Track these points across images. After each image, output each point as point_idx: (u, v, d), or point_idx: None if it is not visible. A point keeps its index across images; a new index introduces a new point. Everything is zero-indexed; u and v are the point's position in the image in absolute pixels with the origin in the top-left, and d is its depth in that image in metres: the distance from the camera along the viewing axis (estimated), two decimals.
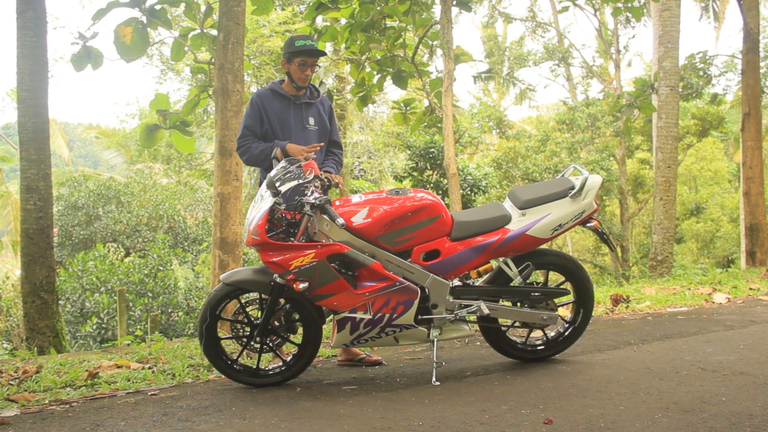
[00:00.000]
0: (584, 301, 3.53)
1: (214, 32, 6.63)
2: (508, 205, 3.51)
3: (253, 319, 3.32)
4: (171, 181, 18.93)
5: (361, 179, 17.63)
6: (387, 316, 3.21)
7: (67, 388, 3.41)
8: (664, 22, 10.00)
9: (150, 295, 10.39)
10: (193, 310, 10.63)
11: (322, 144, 3.76)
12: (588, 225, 3.47)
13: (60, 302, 7.66)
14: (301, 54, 3.65)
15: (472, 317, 3.42)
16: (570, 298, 3.58)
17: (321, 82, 7.98)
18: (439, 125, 9.07)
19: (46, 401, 3.15)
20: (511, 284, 3.42)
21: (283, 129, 3.74)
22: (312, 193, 3.18)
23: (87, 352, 4.91)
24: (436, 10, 8.41)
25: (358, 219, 3.20)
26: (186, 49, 7.19)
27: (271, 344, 3.36)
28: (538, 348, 3.58)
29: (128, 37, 6.53)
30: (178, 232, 13.54)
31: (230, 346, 4.08)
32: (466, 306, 3.31)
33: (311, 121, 3.81)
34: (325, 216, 3.17)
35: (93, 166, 32.10)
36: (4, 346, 10.02)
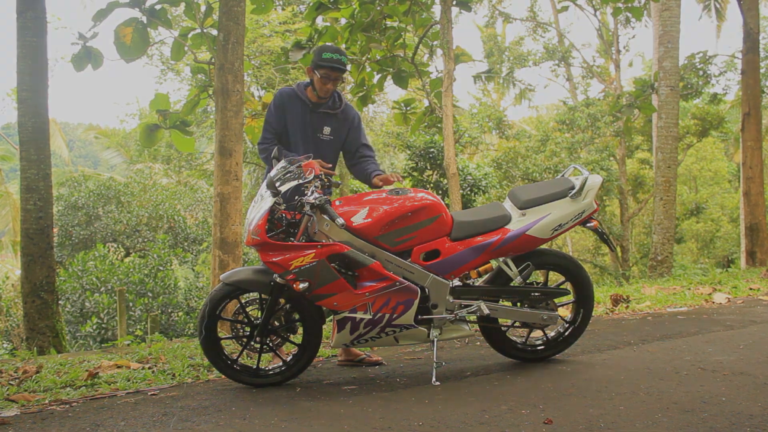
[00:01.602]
0: (584, 301, 3.53)
1: (214, 32, 6.63)
2: (508, 205, 3.51)
3: (253, 319, 3.31)
4: (171, 181, 18.93)
5: None
6: (387, 316, 3.21)
7: (67, 388, 3.41)
8: (664, 22, 10.01)
9: (150, 295, 10.39)
10: (193, 310, 10.63)
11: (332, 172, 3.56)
12: (588, 225, 3.47)
13: (60, 302, 7.66)
14: (324, 67, 3.57)
15: (472, 317, 3.42)
16: (570, 298, 3.58)
17: None
18: (439, 125, 9.07)
19: (46, 401, 3.14)
20: (511, 284, 3.42)
21: (294, 134, 3.71)
22: (312, 193, 3.17)
23: (87, 352, 4.91)
24: (436, 10, 8.41)
25: (358, 219, 3.20)
26: (186, 49, 7.19)
27: (271, 344, 3.36)
28: (538, 348, 3.58)
29: (128, 37, 6.53)
30: (178, 232, 13.54)
31: (230, 346, 4.08)
32: (466, 306, 3.31)
33: (326, 130, 3.73)
34: (325, 216, 3.16)
35: (93, 166, 32.13)
36: (4, 346, 10.02)
